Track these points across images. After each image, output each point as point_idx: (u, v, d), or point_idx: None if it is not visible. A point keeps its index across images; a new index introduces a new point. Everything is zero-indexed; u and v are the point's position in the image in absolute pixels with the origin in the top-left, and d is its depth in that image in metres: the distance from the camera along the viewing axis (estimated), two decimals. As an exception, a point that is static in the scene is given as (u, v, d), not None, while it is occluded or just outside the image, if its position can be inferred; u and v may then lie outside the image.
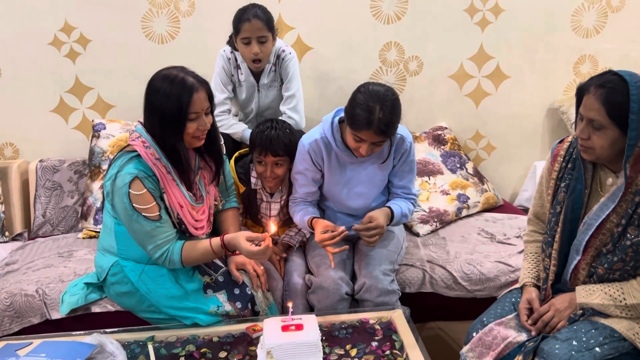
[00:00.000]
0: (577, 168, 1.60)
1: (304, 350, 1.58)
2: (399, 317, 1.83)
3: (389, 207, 2.00)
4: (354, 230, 1.91)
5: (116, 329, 1.81)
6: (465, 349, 1.66)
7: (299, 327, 1.63)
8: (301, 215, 2.03)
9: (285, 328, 1.63)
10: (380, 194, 2.09)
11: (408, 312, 1.86)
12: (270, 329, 1.63)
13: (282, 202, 2.19)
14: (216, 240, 1.77)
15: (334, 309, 1.92)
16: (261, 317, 1.84)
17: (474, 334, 1.66)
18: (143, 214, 1.70)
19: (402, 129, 1.97)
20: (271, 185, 2.15)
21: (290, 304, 1.68)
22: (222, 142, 1.94)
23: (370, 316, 1.84)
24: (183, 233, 1.82)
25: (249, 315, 1.86)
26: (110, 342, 1.68)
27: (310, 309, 2.00)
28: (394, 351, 1.65)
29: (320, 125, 2.01)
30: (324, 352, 1.62)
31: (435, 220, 2.48)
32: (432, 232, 2.46)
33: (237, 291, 1.84)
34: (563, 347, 1.46)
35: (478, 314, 1.76)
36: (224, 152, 1.98)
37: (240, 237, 1.72)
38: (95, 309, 1.99)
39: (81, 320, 1.97)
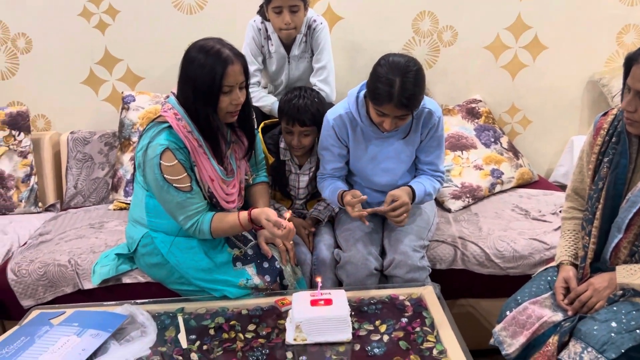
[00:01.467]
0: (621, 142, 1.53)
1: (333, 325, 1.56)
2: (429, 293, 1.79)
3: (410, 186, 1.95)
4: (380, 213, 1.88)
5: (146, 300, 1.82)
6: (498, 327, 1.62)
7: (328, 302, 1.61)
8: (330, 190, 2.00)
9: (314, 302, 1.61)
10: (407, 171, 2.03)
11: (438, 288, 1.82)
12: (299, 303, 1.62)
13: (311, 174, 2.16)
14: (244, 214, 1.76)
15: (362, 284, 1.90)
16: (290, 291, 1.84)
17: (508, 313, 1.62)
18: (174, 185, 1.69)
19: (430, 103, 1.91)
20: (299, 155, 2.13)
21: (319, 279, 1.66)
22: (254, 117, 1.91)
23: (400, 292, 1.81)
24: (214, 207, 1.81)
25: (278, 289, 1.85)
26: (141, 313, 1.70)
27: (338, 283, 1.99)
28: (424, 328, 1.62)
29: (346, 100, 1.96)
30: (353, 328, 1.61)
31: (468, 195, 2.42)
32: (464, 208, 2.41)
33: (266, 265, 1.83)
34: (602, 328, 1.41)
35: (511, 291, 1.72)
36: (256, 126, 1.95)
37: (262, 217, 1.71)
38: (126, 279, 2.00)
39: (112, 290, 1.99)
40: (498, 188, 2.52)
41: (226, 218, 1.77)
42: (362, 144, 1.97)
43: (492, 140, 2.64)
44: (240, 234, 1.89)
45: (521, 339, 1.56)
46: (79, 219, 2.45)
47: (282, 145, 2.14)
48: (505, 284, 2.06)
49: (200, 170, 1.74)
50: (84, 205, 2.65)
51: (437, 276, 2.02)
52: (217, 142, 1.74)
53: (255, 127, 1.94)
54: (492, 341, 1.64)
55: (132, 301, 1.80)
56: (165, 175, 1.68)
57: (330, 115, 1.96)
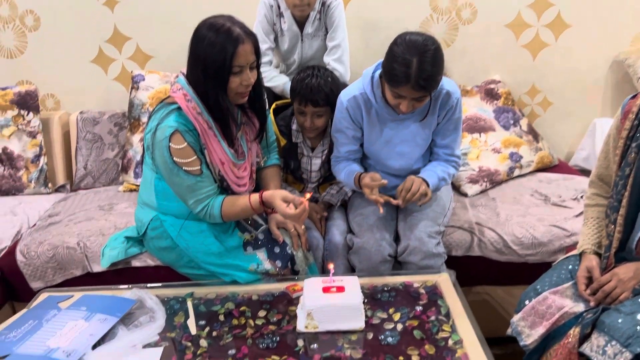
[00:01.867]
0: (652, 126, 1.45)
1: (346, 314, 1.52)
2: (445, 281, 1.74)
3: (422, 178, 1.84)
4: (400, 205, 1.81)
5: (155, 284, 1.79)
6: (516, 317, 1.56)
7: (341, 289, 1.57)
8: (346, 172, 1.94)
9: (326, 289, 1.57)
10: (422, 155, 1.95)
11: (454, 276, 1.77)
12: (311, 290, 1.57)
13: (323, 157, 2.10)
14: (255, 197, 1.70)
15: (375, 270, 1.85)
16: (301, 277, 1.80)
17: (527, 302, 1.56)
18: (184, 168, 1.65)
19: (449, 83, 1.83)
20: (311, 137, 2.06)
21: (331, 266, 1.61)
22: (265, 97, 1.85)
23: (415, 279, 1.76)
24: (225, 190, 1.77)
25: (289, 275, 1.81)
26: (150, 297, 1.67)
27: (351, 269, 1.94)
28: (440, 317, 1.57)
29: (360, 80, 1.88)
30: (366, 315, 1.56)
31: (485, 180, 2.35)
32: (482, 192, 2.34)
33: (277, 250, 1.79)
34: (627, 320, 1.35)
35: (528, 279, 1.67)
36: (267, 107, 1.89)
37: (277, 197, 1.65)
38: (136, 263, 1.97)
39: (121, 274, 1.96)
40: (517, 172, 2.44)
41: (237, 201, 1.72)
42: (376, 126, 1.90)
43: (512, 122, 2.55)
44: (251, 218, 1.85)
45: (540, 330, 1.50)
46: (89, 201, 2.42)
47: (294, 127, 2.08)
48: (522, 272, 2.01)
49: (210, 153, 1.69)
50: (93, 187, 2.62)
51: (453, 263, 1.97)
52: (227, 124, 1.68)
53: (267, 108, 1.88)
54: (509, 331, 1.59)
55: (141, 285, 1.78)
56: (174, 158, 1.63)
57: (344, 96, 1.89)
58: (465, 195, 2.31)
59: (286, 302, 1.68)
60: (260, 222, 1.86)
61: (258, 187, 1.92)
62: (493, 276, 2.06)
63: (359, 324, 1.52)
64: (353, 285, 1.59)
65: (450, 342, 1.47)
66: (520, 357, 1.60)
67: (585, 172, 2.56)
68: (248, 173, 1.81)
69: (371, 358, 1.42)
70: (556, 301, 1.50)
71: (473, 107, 2.55)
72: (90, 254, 1.99)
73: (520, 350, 1.57)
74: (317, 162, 2.11)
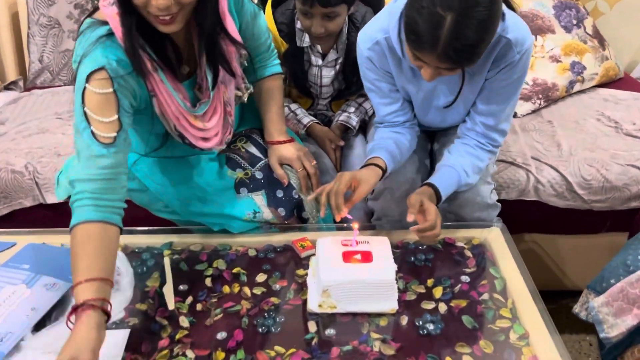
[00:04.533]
0: None
1: (375, 292, 1.14)
2: (496, 238, 1.35)
3: (432, 186, 1.30)
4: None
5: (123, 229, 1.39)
6: (598, 301, 1.19)
7: (367, 256, 1.17)
8: (370, 148, 1.41)
9: (347, 256, 1.17)
10: (456, 113, 1.43)
11: (506, 230, 1.37)
12: (327, 256, 1.18)
13: (338, 67, 1.62)
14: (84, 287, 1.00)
15: (403, 219, 1.40)
16: (311, 226, 1.40)
17: (612, 282, 1.19)
18: (92, 128, 1.06)
19: (514, 27, 1.21)
20: (321, 43, 1.57)
21: (356, 225, 1.20)
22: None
23: (457, 236, 1.37)
24: (190, 147, 1.26)
25: (295, 224, 1.41)
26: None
27: (370, 214, 1.53)
28: (495, 295, 1.19)
29: (385, 17, 1.30)
30: (398, 288, 1.19)
31: (540, 96, 1.88)
32: (534, 112, 1.88)
33: (280, 194, 1.37)
34: None
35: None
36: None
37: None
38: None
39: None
40: (577, 87, 1.97)
41: (96, 242, 1.04)
42: (408, 73, 1.34)
43: (574, 22, 2.03)
44: (245, 152, 1.40)
45: (629, 320, 1.15)
46: (44, 105, 1.95)
47: (298, 25, 1.56)
48: (583, 219, 1.62)
49: (160, 104, 1.16)
50: (52, 85, 2.14)
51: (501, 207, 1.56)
52: (168, 61, 1.14)
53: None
54: (585, 315, 1.23)
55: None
56: (85, 108, 1.06)
57: (362, 41, 1.33)
58: (515, 115, 1.85)
59: (293, 263, 1.30)
60: (259, 156, 1.41)
61: (255, 112, 1.46)
62: (545, 224, 1.68)
63: (391, 304, 1.15)
64: (383, 249, 1.19)
65: (512, 335, 1.10)
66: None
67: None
68: (219, 119, 1.26)
69: (408, 358, 1.06)
70: (654, 283, 1.13)
71: (530, 0, 2.01)
72: (43, 182, 1.58)
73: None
74: (329, 74, 1.63)
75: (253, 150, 1.41)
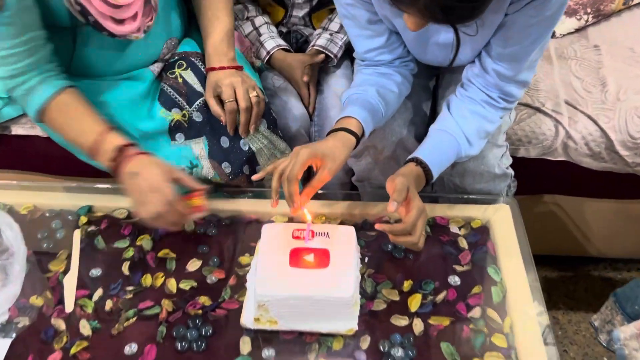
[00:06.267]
0: None
1: (328, 310, 0.86)
2: (503, 220, 1.04)
3: (420, 163, 0.96)
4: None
5: (28, 185, 1.13)
6: (626, 331, 0.90)
7: (322, 258, 0.88)
8: (344, 104, 1.05)
9: (295, 256, 0.88)
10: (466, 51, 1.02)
11: (517, 210, 1.05)
12: (268, 254, 0.89)
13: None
14: (112, 138, 0.95)
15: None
16: (268, 190, 1.09)
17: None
18: None
19: None
20: None
21: (308, 217, 0.89)
22: None
23: (453, 215, 1.06)
24: (98, 31, 0.96)
25: (245, 186, 1.10)
26: (7, 223, 1.00)
27: (351, 173, 1.21)
28: (489, 312, 0.90)
29: None
30: (362, 292, 0.92)
31: (588, 10, 1.44)
32: (577, 31, 1.46)
33: (225, 143, 1.05)
34: None
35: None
36: None
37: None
38: (17, 130, 1.28)
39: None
40: (636, 0, 1.51)
41: (78, 113, 0.96)
42: (390, 12, 0.96)
43: None
44: (184, 81, 1.07)
45: (665, 360, 0.86)
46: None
47: None
48: (620, 183, 1.28)
49: None
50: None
51: (517, 166, 1.21)
52: None
53: None
54: (605, 341, 0.95)
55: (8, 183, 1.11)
56: None
57: None
58: (552, 34, 1.43)
59: (240, 244, 1.03)
60: (199, 90, 1.07)
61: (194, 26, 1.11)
62: (572, 185, 1.34)
63: (349, 324, 0.88)
64: (345, 248, 0.90)
65: (505, 377, 0.83)
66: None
67: None
68: None
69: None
70: None
71: None
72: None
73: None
74: (307, -26, 1.22)
75: (194, 81, 1.07)
